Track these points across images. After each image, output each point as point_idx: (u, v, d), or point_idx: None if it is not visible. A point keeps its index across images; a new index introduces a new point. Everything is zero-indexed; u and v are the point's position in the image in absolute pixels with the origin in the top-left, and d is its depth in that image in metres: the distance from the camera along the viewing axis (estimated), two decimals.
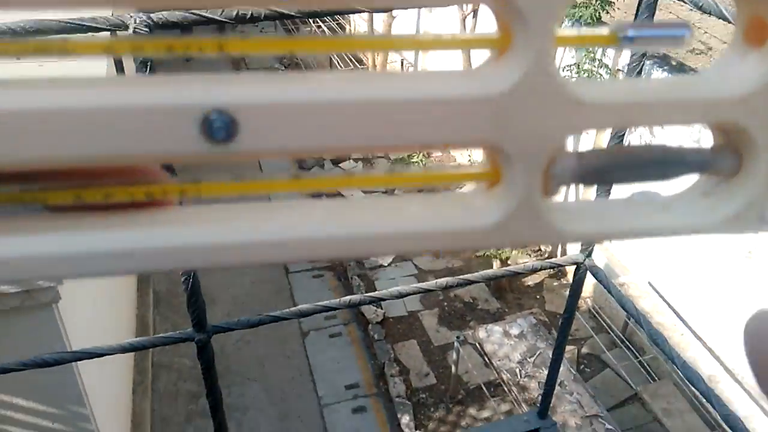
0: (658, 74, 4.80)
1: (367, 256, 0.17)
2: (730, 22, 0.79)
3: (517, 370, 4.41)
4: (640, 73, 1.02)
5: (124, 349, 1.08)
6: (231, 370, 4.83)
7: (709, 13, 0.80)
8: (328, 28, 8.98)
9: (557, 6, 0.15)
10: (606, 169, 0.18)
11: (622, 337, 4.89)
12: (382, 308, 5.52)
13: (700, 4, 0.82)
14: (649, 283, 5.12)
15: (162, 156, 0.15)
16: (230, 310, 5.28)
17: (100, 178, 0.16)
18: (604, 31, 0.17)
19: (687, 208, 0.19)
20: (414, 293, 1.17)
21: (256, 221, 0.16)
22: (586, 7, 4.70)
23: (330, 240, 0.16)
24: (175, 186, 0.16)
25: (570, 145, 0.17)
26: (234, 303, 5.46)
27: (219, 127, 0.14)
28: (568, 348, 5.16)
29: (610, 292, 1.10)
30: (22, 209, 0.16)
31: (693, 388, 1.37)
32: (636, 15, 0.94)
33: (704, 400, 1.07)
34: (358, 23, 8.76)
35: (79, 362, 2.43)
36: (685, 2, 0.83)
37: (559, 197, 0.18)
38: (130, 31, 0.73)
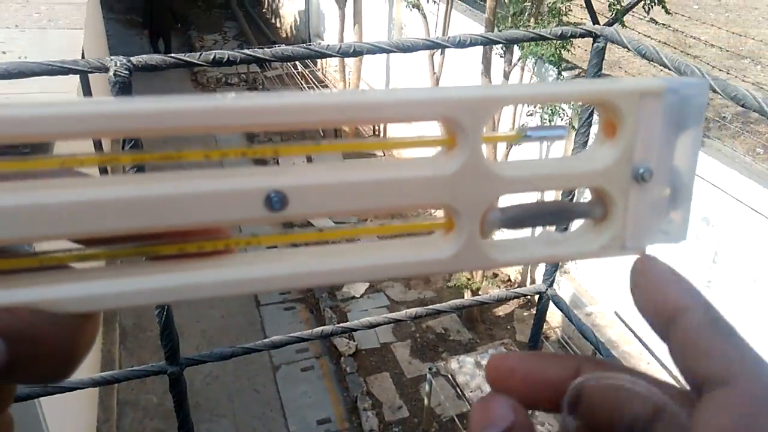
0: None
1: (363, 280, 0.26)
2: (670, 69, 0.86)
3: None
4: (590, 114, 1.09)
5: (95, 383, 1.07)
6: (200, 407, 4.73)
7: (651, 60, 0.88)
8: (302, 65, 9.10)
9: (483, 123, 0.24)
10: (521, 218, 0.26)
11: None
12: (354, 340, 5.50)
13: (644, 53, 0.89)
14: (616, 312, 5.22)
15: (239, 221, 0.23)
16: (199, 345, 5.19)
17: (191, 236, 0.23)
18: (512, 132, 0.25)
19: (574, 242, 0.27)
20: (386, 323, 1.19)
21: (292, 260, 0.24)
22: (548, 47, 4.88)
23: (334, 271, 0.24)
24: (244, 239, 0.24)
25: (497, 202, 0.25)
26: (203, 337, 5.38)
27: (276, 201, 0.22)
28: None
29: (570, 320, 1.14)
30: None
31: None
32: (589, 62, 1.01)
33: None
34: (329, 60, 8.90)
35: (42, 398, 2.37)
36: (629, 49, 0.91)
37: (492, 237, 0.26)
38: (111, 73, 0.77)
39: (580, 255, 0.27)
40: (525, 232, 0.27)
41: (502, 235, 0.27)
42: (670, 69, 0.84)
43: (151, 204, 0.21)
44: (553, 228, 0.27)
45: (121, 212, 0.21)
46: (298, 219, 0.23)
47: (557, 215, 0.27)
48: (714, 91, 0.77)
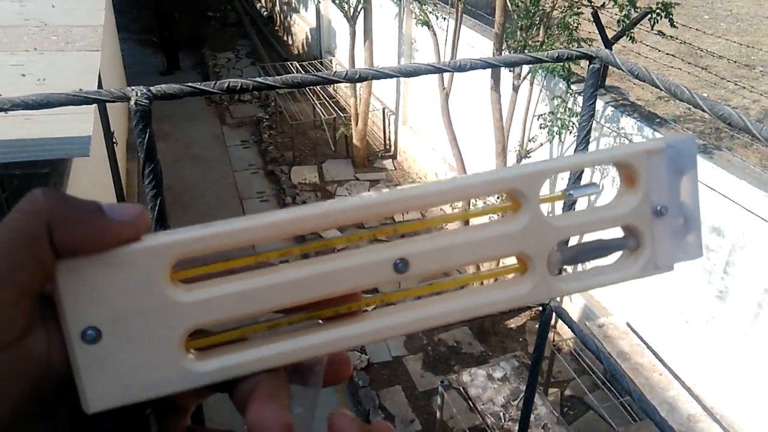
0: (629, 121, 5.00)
1: (468, 318, 0.34)
2: (661, 89, 0.90)
3: (501, 414, 4.41)
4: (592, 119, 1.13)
5: None
6: (212, 421, 4.76)
7: (644, 81, 0.92)
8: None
9: (539, 189, 0.32)
10: (576, 255, 0.35)
11: (603, 379, 4.93)
12: (366, 354, 5.52)
13: (637, 74, 0.93)
14: (628, 324, 5.20)
15: (375, 283, 0.31)
16: None
17: (336, 301, 0.31)
18: (559, 193, 0.35)
19: (618, 269, 0.36)
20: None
21: (414, 311, 0.33)
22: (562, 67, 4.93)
23: (447, 312, 0.33)
24: (379, 297, 0.33)
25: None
26: None
27: (401, 266, 0.31)
28: (551, 391, 5.17)
29: (573, 331, 1.18)
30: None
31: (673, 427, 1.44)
32: (585, 83, 1.05)
33: None
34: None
35: None
36: (623, 71, 0.95)
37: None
38: (132, 103, 0.82)
39: (624, 278, 0.36)
40: (580, 266, 0.35)
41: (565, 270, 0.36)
42: (661, 89, 0.88)
43: (321, 278, 0.30)
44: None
45: (305, 286, 0.30)
46: (414, 278, 0.32)
47: (602, 250, 0.36)
48: (702, 110, 0.81)
